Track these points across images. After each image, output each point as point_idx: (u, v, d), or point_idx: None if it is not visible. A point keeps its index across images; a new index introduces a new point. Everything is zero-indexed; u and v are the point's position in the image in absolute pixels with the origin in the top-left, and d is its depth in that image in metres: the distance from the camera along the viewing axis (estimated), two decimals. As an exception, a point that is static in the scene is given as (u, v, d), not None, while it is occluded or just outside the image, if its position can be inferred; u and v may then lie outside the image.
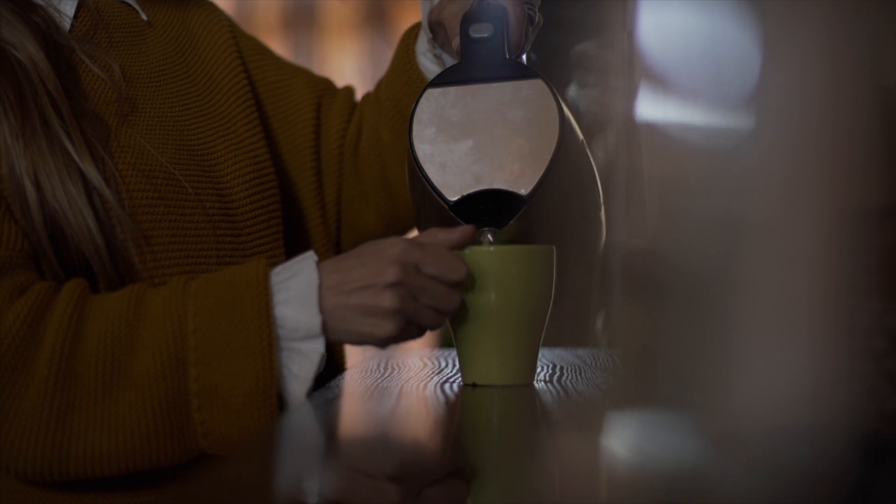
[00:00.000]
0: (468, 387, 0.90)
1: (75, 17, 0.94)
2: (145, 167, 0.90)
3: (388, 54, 3.95)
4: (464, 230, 0.84)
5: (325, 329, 0.82)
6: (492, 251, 0.85)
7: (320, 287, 0.81)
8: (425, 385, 0.94)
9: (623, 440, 0.65)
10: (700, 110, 0.57)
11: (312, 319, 0.81)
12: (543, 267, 0.86)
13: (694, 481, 0.51)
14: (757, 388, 0.51)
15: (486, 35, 0.92)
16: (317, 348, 0.82)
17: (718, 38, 0.55)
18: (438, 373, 0.98)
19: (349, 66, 3.62)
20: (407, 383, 0.96)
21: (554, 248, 0.87)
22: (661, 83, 0.61)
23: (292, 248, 1.05)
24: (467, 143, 0.89)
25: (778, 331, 0.52)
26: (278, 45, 3.70)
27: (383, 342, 0.83)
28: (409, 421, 0.82)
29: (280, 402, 0.81)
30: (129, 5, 1.01)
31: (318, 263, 0.83)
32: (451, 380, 0.95)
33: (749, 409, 0.52)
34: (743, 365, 0.52)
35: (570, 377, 0.95)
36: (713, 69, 0.56)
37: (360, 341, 0.83)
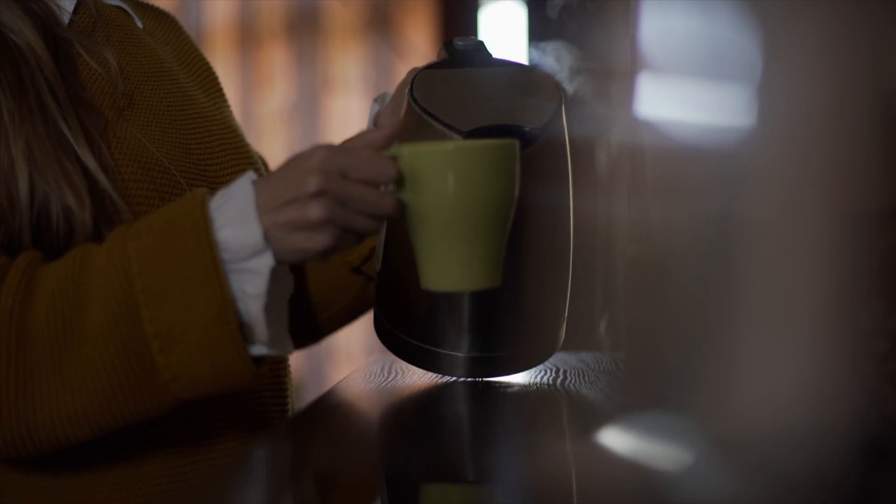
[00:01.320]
0: (470, 389, 0.90)
1: (74, 12, 0.95)
2: (142, 159, 0.90)
3: (391, 58, 3.93)
4: (391, 125, 0.80)
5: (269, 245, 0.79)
6: (425, 149, 0.79)
7: (256, 205, 0.79)
8: (428, 388, 0.94)
9: (626, 443, 0.65)
10: (702, 112, 0.57)
11: (254, 235, 0.78)
12: (491, 164, 0.79)
13: (697, 484, 0.51)
14: (759, 390, 0.51)
15: (472, 44, 0.92)
16: (265, 262, 0.78)
17: (720, 42, 0.55)
18: (442, 376, 0.97)
19: (353, 70, 3.63)
20: (410, 387, 0.96)
21: (510, 143, 0.79)
22: (664, 85, 0.62)
23: None
24: (471, 107, 0.87)
25: (780, 333, 0.52)
26: (282, 50, 3.70)
27: (322, 255, 0.79)
28: (411, 423, 0.82)
29: (243, 329, 0.79)
30: (126, 12, 1.03)
31: (255, 182, 0.80)
32: (455, 383, 0.95)
33: (751, 411, 0.52)
34: (745, 368, 0.52)
35: (573, 381, 0.95)
36: (715, 72, 0.56)
37: (300, 258, 0.80)
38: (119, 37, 0.98)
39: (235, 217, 0.79)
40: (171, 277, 0.78)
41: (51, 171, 0.83)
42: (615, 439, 0.68)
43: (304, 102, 3.66)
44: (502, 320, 0.92)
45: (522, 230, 0.87)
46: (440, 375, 0.95)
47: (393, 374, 1.06)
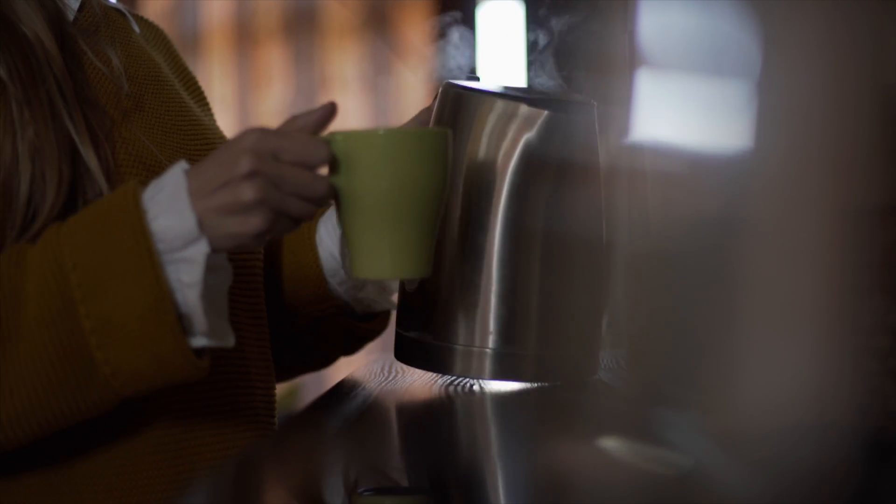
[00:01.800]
0: (470, 389, 0.90)
1: (79, 11, 0.95)
2: (146, 162, 0.89)
3: (389, 57, 3.93)
4: (323, 107, 0.80)
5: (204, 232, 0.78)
6: (359, 134, 0.79)
7: (189, 192, 0.77)
8: (429, 388, 0.94)
9: (628, 440, 0.65)
10: (702, 110, 0.57)
11: (188, 222, 0.77)
12: (422, 152, 0.79)
13: (699, 480, 0.51)
14: (761, 387, 0.51)
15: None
16: (201, 250, 0.77)
17: (720, 38, 0.55)
18: (442, 376, 0.97)
19: (350, 69, 3.62)
20: (411, 386, 0.96)
21: (442, 132, 0.81)
22: (663, 81, 0.62)
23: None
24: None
25: (782, 330, 0.52)
26: (279, 49, 3.70)
27: (255, 239, 0.78)
28: (411, 423, 0.82)
29: (182, 320, 0.77)
30: (125, 15, 1.02)
31: (187, 171, 0.78)
32: (455, 383, 0.95)
33: (754, 408, 0.52)
34: (747, 364, 0.52)
35: (573, 378, 0.94)
36: (715, 68, 0.56)
37: (235, 244, 0.78)
38: (121, 38, 0.98)
39: (169, 206, 0.77)
40: (107, 271, 0.77)
41: (53, 170, 0.83)
42: (617, 436, 0.68)
43: (301, 101, 3.66)
44: (529, 315, 0.92)
45: (555, 234, 0.90)
46: (439, 375, 0.95)
47: (393, 374, 1.06)
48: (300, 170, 0.77)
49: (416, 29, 3.60)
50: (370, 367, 1.16)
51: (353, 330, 1.07)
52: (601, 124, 0.94)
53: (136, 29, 1.03)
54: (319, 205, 0.79)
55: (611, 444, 0.67)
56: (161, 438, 0.87)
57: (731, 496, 0.48)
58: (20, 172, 0.82)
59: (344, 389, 0.97)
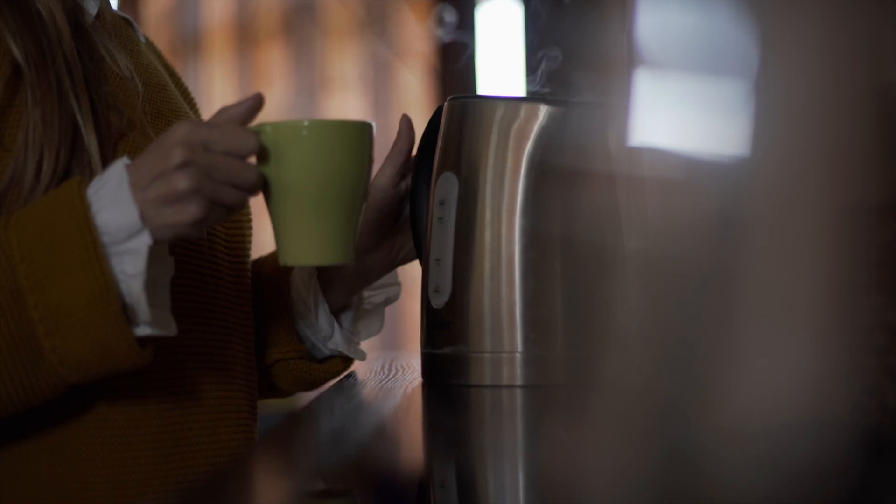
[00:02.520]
0: (469, 389, 0.90)
1: (96, 17, 0.96)
2: None
3: (389, 57, 3.93)
4: (250, 99, 0.82)
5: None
6: (285, 124, 0.83)
7: (130, 185, 0.80)
8: (429, 387, 0.94)
9: (625, 437, 0.65)
10: (699, 108, 0.57)
11: (131, 215, 0.79)
12: (344, 142, 0.83)
13: (696, 477, 0.51)
14: (759, 384, 0.51)
15: None
16: (143, 241, 0.79)
17: (717, 37, 0.55)
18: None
19: (350, 68, 3.63)
20: (410, 385, 0.96)
21: (364, 124, 0.85)
22: (660, 81, 0.62)
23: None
24: None
25: (779, 327, 0.52)
26: (279, 50, 3.70)
27: (193, 228, 0.80)
28: (410, 422, 0.82)
29: (126, 310, 0.80)
30: (132, 25, 1.04)
31: (127, 165, 0.81)
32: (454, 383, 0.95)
33: (751, 405, 0.52)
34: (744, 361, 0.52)
35: (573, 377, 0.95)
36: (712, 67, 0.56)
37: (174, 234, 0.80)
38: (131, 46, 1.00)
39: (112, 199, 0.79)
40: (53, 262, 0.79)
41: (51, 154, 0.84)
42: (614, 433, 0.68)
43: (301, 102, 3.66)
44: (556, 317, 0.92)
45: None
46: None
47: (393, 372, 1.06)
48: (231, 159, 0.80)
49: (415, 30, 3.61)
50: (370, 365, 1.16)
51: (310, 372, 1.07)
52: (602, 124, 0.95)
53: (143, 39, 1.04)
54: (251, 192, 0.81)
55: (608, 440, 0.67)
56: (160, 434, 0.89)
57: (729, 492, 0.49)
58: (28, 157, 0.84)
59: (344, 388, 0.97)
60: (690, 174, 0.59)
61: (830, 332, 0.53)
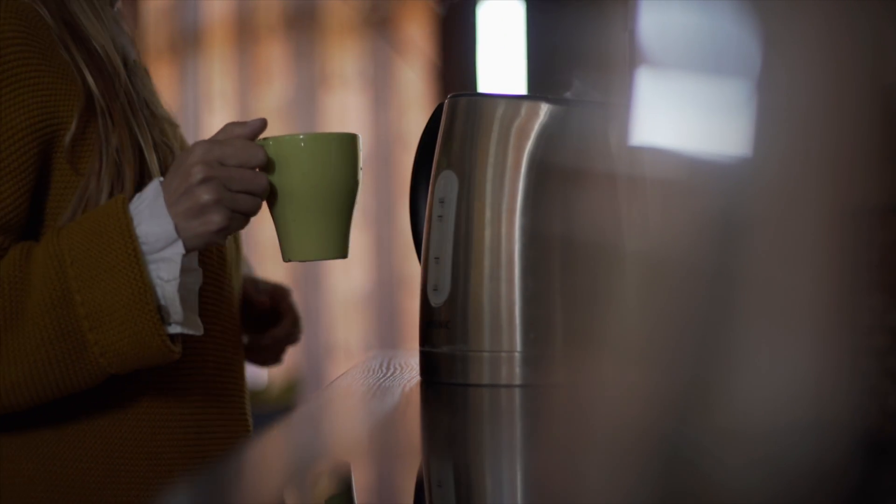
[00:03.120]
0: (468, 388, 0.90)
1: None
2: None
3: (389, 54, 3.92)
4: (258, 120, 0.96)
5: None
6: (285, 138, 0.96)
7: (165, 202, 0.93)
8: (427, 385, 0.94)
9: (624, 438, 0.65)
10: (701, 108, 0.57)
11: (167, 227, 0.92)
12: (337, 151, 0.97)
13: (696, 479, 0.51)
14: (759, 385, 0.51)
15: None
16: (177, 250, 0.92)
17: (719, 37, 0.55)
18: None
19: (350, 66, 3.62)
20: (409, 384, 0.96)
21: (351, 135, 0.99)
22: (662, 80, 0.61)
23: None
24: None
25: (780, 329, 0.51)
26: (279, 46, 3.70)
27: (218, 235, 0.93)
28: (408, 421, 0.82)
29: (160, 311, 0.92)
30: (147, 71, 1.15)
31: (161, 182, 0.94)
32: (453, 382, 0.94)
33: (751, 407, 0.52)
34: (745, 362, 0.52)
35: (572, 376, 0.94)
36: (714, 67, 0.56)
37: (203, 243, 0.93)
38: (151, 88, 1.12)
39: (150, 214, 0.93)
40: (99, 267, 0.92)
41: (130, 175, 0.98)
42: (612, 434, 0.68)
43: (301, 98, 3.66)
44: (555, 316, 0.92)
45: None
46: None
47: (392, 371, 1.06)
48: (243, 170, 0.93)
49: (416, 27, 3.60)
50: (368, 363, 1.16)
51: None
52: (603, 123, 0.94)
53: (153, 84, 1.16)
54: (262, 198, 0.95)
55: (606, 441, 0.67)
56: (185, 420, 1.03)
57: (728, 494, 0.48)
58: (102, 178, 0.97)
59: (342, 386, 0.97)
60: (691, 174, 0.59)
61: (831, 333, 0.52)
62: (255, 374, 3.53)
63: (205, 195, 0.91)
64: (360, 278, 3.49)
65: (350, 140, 0.98)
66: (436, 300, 0.94)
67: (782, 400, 0.51)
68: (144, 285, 0.91)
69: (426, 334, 0.95)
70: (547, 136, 0.93)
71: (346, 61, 3.62)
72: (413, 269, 3.47)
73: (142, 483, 1.00)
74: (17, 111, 0.96)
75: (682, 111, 0.59)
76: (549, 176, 0.93)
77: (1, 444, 0.98)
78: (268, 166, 0.94)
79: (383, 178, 3.54)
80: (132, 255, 0.91)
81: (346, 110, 3.60)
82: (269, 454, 0.70)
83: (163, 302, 0.92)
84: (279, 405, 2.97)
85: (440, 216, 0.95)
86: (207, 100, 3.72)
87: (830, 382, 0.52)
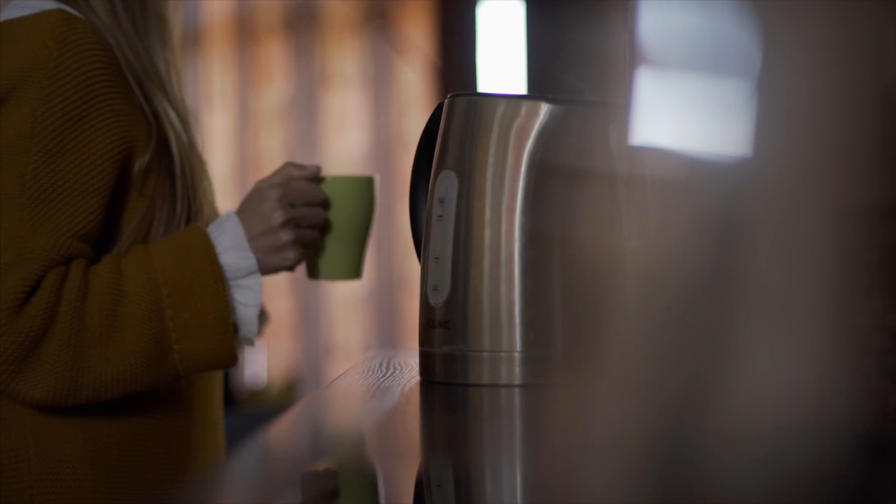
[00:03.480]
0: (468, 388, 0.90)
1: None
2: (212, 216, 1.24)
3: (389, 54, 3.91)
4: (314, 166, 1.16)
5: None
6: (335, 180, 1.18)
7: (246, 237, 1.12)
8: (427, 385, 0.94)
9: (623, 438, 0.64)
10: (701, 108, 0.57)
11: (249, 260, 1.12)
12: (368, 191, 1.20)
13: (695, 479, 0.51)
14: (759, 386, 0.51)
15: None
16: (257, 281, 1.12)
17: (720, 37, 0.55)
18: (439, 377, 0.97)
19: (350, 65, 3.62)
20: (408, 384, 0.96)
21: (374, 178, 1.21)
22: (662, 81, 0.61)
23: None
24: None
25: (780, 329, 0.51)
26: (280, 46, 3.70)
27: (292, 268, 1.15)
28: (408, 420, 0.82)
29: (235, 328, 1.11)
30: None
31: (238, 218, 1.13)
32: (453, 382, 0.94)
33: (751, 407, 0.52)
34: (745, 363, 0.52)
35: (571, 376, 0.94)
36: (714, 66, 0.56)
37: (275, 272, 1.15)
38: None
39: (232, 245, 1.12)
40: (189, 289, 1.09)
41: (191, 200, 1.17)
42: (611, 434, 0.68)
43: (301, 98, 3.66)
44: (554, 316, 0.92)
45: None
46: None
47: (391, 371, 1.06)
48: (308, 209, 1.14)
49: (416, 26, 3.60)
50: (367, 363, 1.16)
51: None
52: (603, 123, 0.94)
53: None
54: (320, 230, 1.16)
55: (605, 441, 0.67)
56: (208, 416, 1.21)
57: (728, 495, 0.48)
58: (166, 200, 1.14)
59: (342, 386, 0.97)
60: (692, 174, 0.59)
61: (831, 334, 0.52)
62: (256, 375, 3.53)
63: (284, 236, 1.12)
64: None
65: (375, 181, 1.21)
66: (436, 300, 0.94)
67: (782, 400, 0.51)
68: (227, 308, 1.09)
69: (426, 334, 0.95)
70: (547, 136, 0.93)
71: (346, 61, 3.62)
72: (413, 269, 3.47)
73: (167, 467, 1.15)
74: (104, 136, 1.08)
75: (682, 111, 0.59)
76: (549, 176, 0.93)
77: (47, 430, 1.10)
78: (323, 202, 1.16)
79: (383, 178, 3.54)
80: (219, 282, 1.10)
81: (345, 110, 3.60)
82: (268, 454, 0.70)
83: (238, 322, 1.11)
84: (279, 405, 2.97)
85: (440, 216, 0.95)
86: (207, 99, 3.72)
87: (830, 383, 0.52)
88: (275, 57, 3.70)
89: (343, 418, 0.83)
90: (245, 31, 3.75)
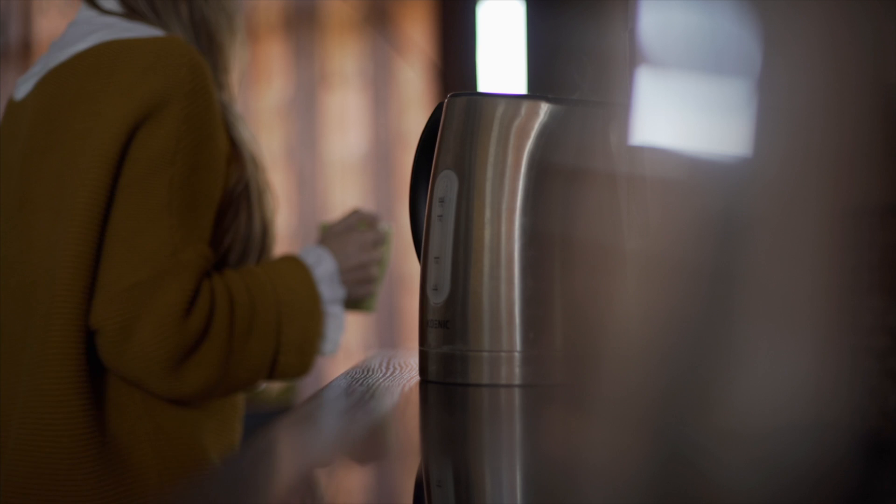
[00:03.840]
0: (467, 387, 0.90)
1: None
2: None
3: (389, 54, 3.91)
4: (377, 216, 1.41)
5: None
6: (386, 229, 1.43)
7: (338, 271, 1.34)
8: (427, 385, 0.94)
9: (623, 438, 0.64)
10: (701, 108, 0.57)
11: (339, 292, 1.33)
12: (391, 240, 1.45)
13: (695, 479, 0.51)
14: (759, 386, 0.51)
15: None
16: (342, 309, 1.34)
17: (720, 37, 0.55)
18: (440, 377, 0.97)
19: (350, 64, 3.62)
20: (408, 383, 0.96)
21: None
22: (662, 81, 0.61)
23: None
24: None
25: (780, 329, 0.51)
26: (279, 45, 3.70)
27: (373, 307, 1.42)
28: (408, 420, 0.82)
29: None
30: None
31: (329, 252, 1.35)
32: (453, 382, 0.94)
33: (751, 407, 0.52)
34: (745, 363, 0.52)
35: (571, 376, 0.94)
36: (715, 67, 0.56)
37: (357, 307, 1.40)
38: None
39: (328, 278, 1.32)
40: (298, 310, 1.28)
41: (256, 219, 1.38)
42: (611, 434, 0.68)
43: (301, 97, 3.66)
44: (554, 316, 0.92)
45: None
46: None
47: (391, 370, 1.06)
48: (377, 248, 1.39)
49: (416, 25, 3.60)
50: (367, 363, 1.16)
51: None
52: (603, 123, 0.94)
53: None
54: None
55: (606, 441, 0.67)
56: (237, 413, 1.37)
57: (728, 495, 0.48)
58: (256, 225, 1.34)
59: (341, 386, 0.97)
60: (692, 174, 0.59)
61: (831, 334, 0.52)
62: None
63: (373, 271, 1.37)
64: (360, 278, 3.48)
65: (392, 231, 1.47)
66: (436, 300, 0.94)
67: (782, 400, 0.51)
68: (322, 331, 1.31)
69: (426, 334, 0.95)
70: (547, 136, 0.93)
71: (345, 60, 3.62)
72: (413, 268, 3.47)
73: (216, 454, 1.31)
74: (221, 154, 1.25)
75: (682, 111, 0.59)
76: (549, 176, 0.93)
77: (156, 411, 1.22)
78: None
79: (383, 178, 3.54)
80: (318, 308, 1.30)
81: (345, 109, 3.60)
82: (268, 454, 0.70)
83: (325, 342, 1.33)
84: (279, 405, 2.97)
85: (440, 216, 0.95)
86: (207, 99, 3.71)
87: (831, 383, 0.52)
88: (274, 56, 3.70)
89: (343, 418, 0.83)
90: (244, 31, 3.75)
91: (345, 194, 3.59)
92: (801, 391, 0.51)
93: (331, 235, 1.37)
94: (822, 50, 0.52)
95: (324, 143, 3.65)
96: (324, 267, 1.32)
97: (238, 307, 1.23)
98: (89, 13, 1.29)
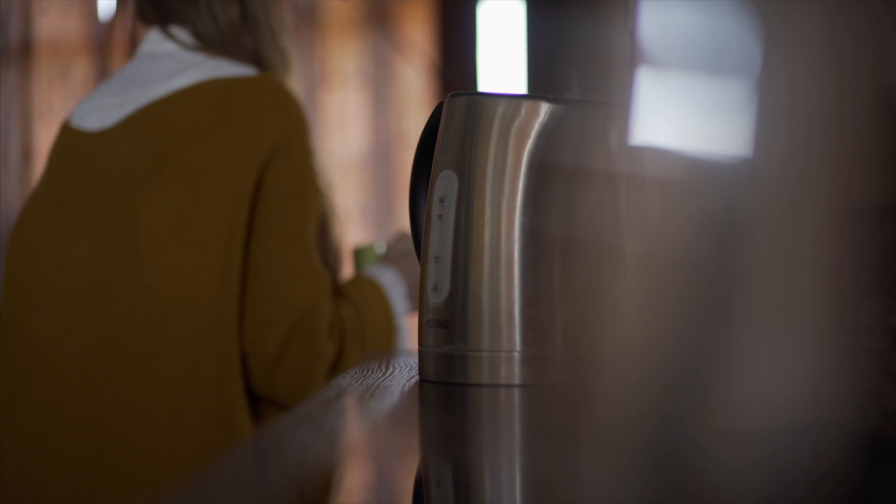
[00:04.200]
0: (467, 387, 0.90)
1: None
2: None
3: (389, 53, 3.91)
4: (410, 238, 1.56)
5: None
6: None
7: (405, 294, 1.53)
8: (426, 385, 0.94)
9: (623, 438, 0.64)
10: (701, 108, 0.57)
11: (405, 311, 1.50)
12: None
13: (695, 480, 0.51)
14: (758, 386, 0.51)
15: None
16: (406, 323, 1.49)
17: (720, 37, 0.55)
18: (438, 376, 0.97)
19: (350, 64, 3.62)
20: (408, 383, 0.96)
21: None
22: (663, 81, 0.61)
23: None
24: None
25: (780, 329, 0.51)
26: (279, 45, 3.69)
27: None
28: (407, 420, 0.82)
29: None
30: None
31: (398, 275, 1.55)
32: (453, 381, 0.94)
33: (750, 407, 0.52)
34: (744, 363, 0.52)
35: (571, 376, 0.94)
36: (715, 67, 0.56)
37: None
38: None
39: (400, 297, 1.49)
40: (380, 326, 1.45)
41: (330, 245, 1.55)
42: (611, 434, 0.68)
43: (301, 97, 3.65)
44: (554, 315, 0.92)
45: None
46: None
47: (391, 370, 1.06)
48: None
49: (416, 25, 3.60)
50: (368, 363, 1.16)
51: None
52: (603, 123, 0.94)
53: None
54: None
55: (604, 441, 0.67)
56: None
57: (727, 495, 0.48)
58: (331, 243, 1.50)
59: (341, 386, 0.97)
60: (692, 174, 0.59)
61: (831, 334, 0.52)
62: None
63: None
64: (360, 277, 3.49)
65: None
66: (435, 299, 0.94)
67: (782, 400, 0.51)
68: (396, 343, 1.48)
69: (425, 334, 0.95)
70: (547, 136, 0.93)
71: (346, 60, 3.62)
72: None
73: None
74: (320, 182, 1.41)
75: (682, 111, 0.59)
76: (549, 175, 0.93)
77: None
78: None
79: (383, 178, 3.54)
80: (395, 323, 1.48)
81: (345, 109, 3.60)
82: (268, 454, 0.70)
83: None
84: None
85: (440, 215, 0.95)
86: (207, 98, 3.71)
87: (830, 383, 0.52)
88: (275, 56, 3.69)
89: (342, 418, 0.83)
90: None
91: (345, 194, 3.59)
92: (801, 391, 0.51)
93: (393, 259, 1.54)
94: (822, 50, 0.52)
95: (324, 142, 3.65)
96: (397, 289, 1.50)
97: (350, 324, 1.40)
98: (168, 46, 1.41)
